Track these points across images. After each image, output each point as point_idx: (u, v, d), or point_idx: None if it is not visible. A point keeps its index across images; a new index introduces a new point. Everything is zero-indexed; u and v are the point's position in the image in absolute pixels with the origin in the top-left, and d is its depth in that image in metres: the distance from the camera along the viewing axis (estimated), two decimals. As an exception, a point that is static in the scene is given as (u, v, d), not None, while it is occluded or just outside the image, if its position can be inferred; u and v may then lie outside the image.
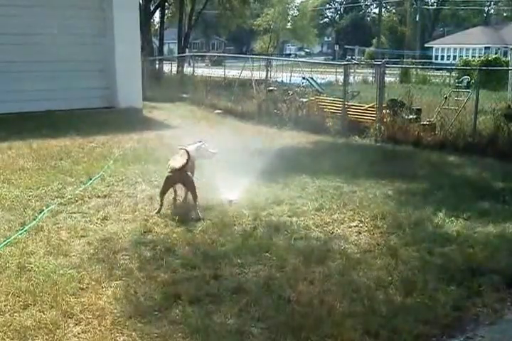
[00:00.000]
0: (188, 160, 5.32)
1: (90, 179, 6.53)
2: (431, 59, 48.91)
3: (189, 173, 5.42)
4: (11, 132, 9.20)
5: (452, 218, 5.37)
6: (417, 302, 3.68)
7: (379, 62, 12.42)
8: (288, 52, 69.30)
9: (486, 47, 45.49)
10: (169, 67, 21.84)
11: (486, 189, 6.56)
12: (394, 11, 67.22)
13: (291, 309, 3.53)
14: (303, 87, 13.47)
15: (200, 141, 5.95)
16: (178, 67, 20.94)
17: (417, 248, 4.61)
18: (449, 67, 27.38)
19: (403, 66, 25.94)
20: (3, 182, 6.34)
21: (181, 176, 5.35)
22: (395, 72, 21.98)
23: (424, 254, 4.49)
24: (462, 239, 4.83)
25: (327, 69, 20.01)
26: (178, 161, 5.42)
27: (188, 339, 3.16)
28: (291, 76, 16.29)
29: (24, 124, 9.95)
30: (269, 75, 14.07)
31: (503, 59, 26.94)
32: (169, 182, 5.44)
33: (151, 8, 27.34)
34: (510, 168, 7.80)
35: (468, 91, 10.78)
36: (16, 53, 11.47)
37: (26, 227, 4.86)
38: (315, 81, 14.57)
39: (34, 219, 5.08)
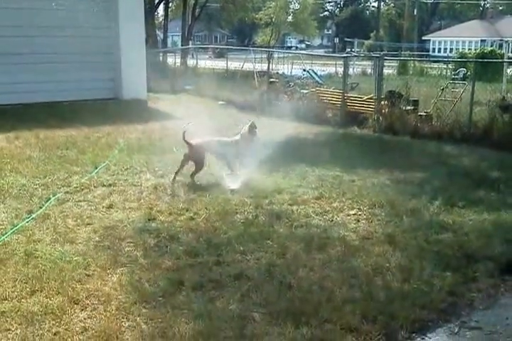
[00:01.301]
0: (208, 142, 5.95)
1: (96, 168, 6.51)
2: (428, 51, 48.66)
3: (202, 152, 5.92)
4: (18, 122, 9.17)
5: (448, 206, 5.34)
6: (413, 288, 3.67)
7: (378, 55, 12.32)
8: (289, 44, 68.89)
9: (481, 40, 45.19)
10: (173, 59, 21.70)
11: (481, 178, 6.52)
12: (392, 4, 66.65)
13: (292, 295, 3.51)
14: (304, 78, 13.42)
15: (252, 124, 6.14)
16: (181, 59, 20.82)
17: (413, 235, 4.59)
18: (446, 60, 27.19)
19: (401, 58, 25.81)
20: (10, 171, 6.31)
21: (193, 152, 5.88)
22: (393, 64, 21.85)
23: (421, 241, 4.47)
24: (457, 227, 4.81)
25: (327, 62, 19.95)
26: (196, 139, 5.91)
27: (191, 324, 3.15)
28: (292, 68, 16.23)
29: (31, 115, 9.90)
30: (270, 67, 13.99)
31: (499, 51, 26.78)
32: (185, 158, 5.98)
33: (156, 1, 27.14)
34: (505, 157, 7.76)
35: (465, 83, 10.73)
36: (22, 45, 11.37)
37: (33, 215, 4.85)
38: (315, 73, 14.50)
39: (41, 208, 5.06)
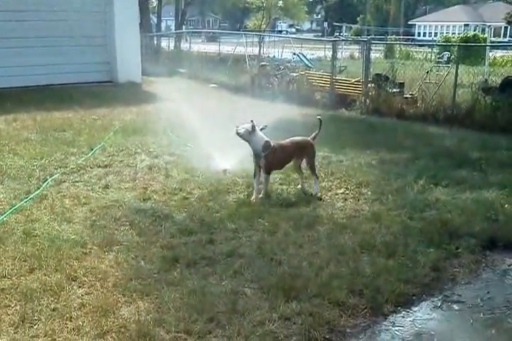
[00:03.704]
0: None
1: (92, 149, 6.43)
2: (414, 35, 48.30)
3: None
4: (15, 105, 9.03)
5: (432, 185, 5.34)
6: (398, 263, 3.67)
7: (365, 39, 12.20)
8: (279, 29, 68.05)
9: (465, 25, 44.92)
10: (167, 43, 21.37)
11: (464, 158, 6.51)
12: (379, -11, 65.80)
13: (282, 271, 3.51)
14: (293, 62, 13.26)
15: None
16: (175, 43, 20.51)
17: (398, 213, 4.58)
18: (431, 44, 26.98)
19: (388, 42, 25.55)
20: (8, 152, 6.22)
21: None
22: (380, 48, 21.66)
23: (405, 219, 4.47)
24: (441, 205, 4.81)
25: (316, 46, 19.71)
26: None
27: (185, 299, 3.14)
28: (282, 52, 16.05)
29: (28, 98, 9.76)
30: (261, 51, 13.84)
31: (481, 36, 26.68)
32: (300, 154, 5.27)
33: (149, -14, 26.62)
34: (486, 138, 7.76)
35: (448, 66, 10.67)
36: (18, 29, 11.16)
37: (31, 195, 4.79)
38: (305, 56, 14.33)
39: (38, 188, 5.00)
